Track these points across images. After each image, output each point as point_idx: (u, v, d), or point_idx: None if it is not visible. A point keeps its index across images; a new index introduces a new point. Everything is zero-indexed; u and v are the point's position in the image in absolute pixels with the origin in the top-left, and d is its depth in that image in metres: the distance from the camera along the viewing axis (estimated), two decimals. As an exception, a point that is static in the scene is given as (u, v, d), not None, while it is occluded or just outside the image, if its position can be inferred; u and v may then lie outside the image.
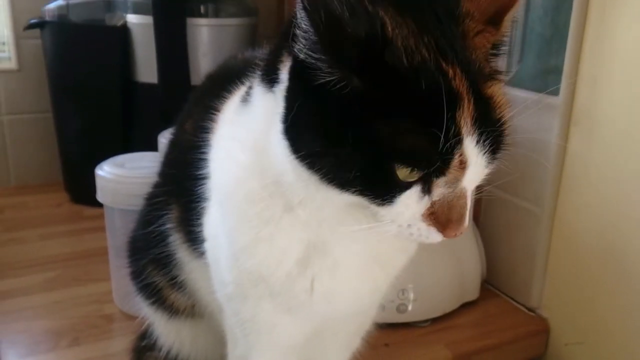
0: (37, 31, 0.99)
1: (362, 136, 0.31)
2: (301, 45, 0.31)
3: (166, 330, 0.56)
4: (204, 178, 0.43)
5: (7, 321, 0.69)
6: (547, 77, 0.69)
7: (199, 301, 0.52)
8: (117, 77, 0.97)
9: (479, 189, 0.38)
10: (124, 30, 0.95)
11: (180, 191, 0.47)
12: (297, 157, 0.33)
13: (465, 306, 0.75)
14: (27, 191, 1.07)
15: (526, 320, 0.74)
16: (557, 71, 0.67)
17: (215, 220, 0.43)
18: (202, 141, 0.43)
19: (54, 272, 0.81)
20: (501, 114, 0.34)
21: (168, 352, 0.56)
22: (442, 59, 0.31)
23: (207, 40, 0.95)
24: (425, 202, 0.33)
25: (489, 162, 0.34)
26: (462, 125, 0.31)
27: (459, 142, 0.31)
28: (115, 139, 0.99)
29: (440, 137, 0.30)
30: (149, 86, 0.97)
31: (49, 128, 1.06)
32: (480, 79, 0.32)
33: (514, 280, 0.76)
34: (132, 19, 0.94)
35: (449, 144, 0.31)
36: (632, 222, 0.62)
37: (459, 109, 0.31)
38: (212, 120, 0.44)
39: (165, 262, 0.51)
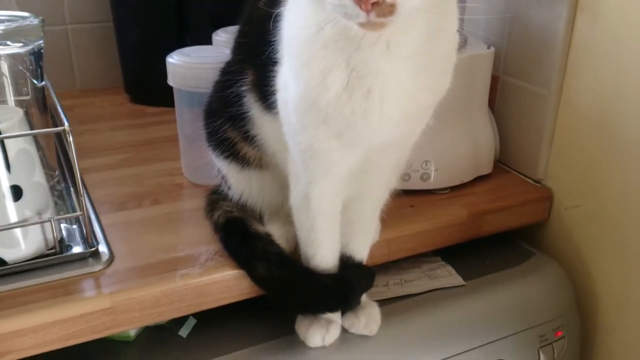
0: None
1: None
2: None
3: (238, 180, 0.68)
4: (276, 42, 0.55)
5: (95, 188, 0.82)
6: None
7: (266, 153, 0.64)
8: None
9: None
10: None
11: (255, 57, 0.58)
12: None
13: (480, 178, 0.86)
14: (91, 93, 1.19)
15: (533, 190, 0.85)
16: None
17: (284, 73, 0.54)
18: (275, 11, 0.54)
19: (128, 154, 0.94)
20: None
21: (239, 199, 0.70)
22: None
23: None
24: None
25: None
26: None
27: None
28: (170, 44, 1.10)
29: None
30: None
31: (109, 36, 1.16)
32: None
33: (524, 157, 0.87)
34: None
35: None
36: (629, 102, 0.72)
37: None
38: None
39: (240, 119, 0.63)
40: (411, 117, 0.54)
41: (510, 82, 0.87)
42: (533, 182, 0.86)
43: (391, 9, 0.41)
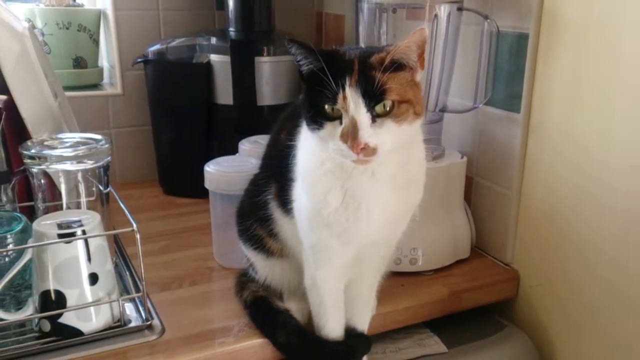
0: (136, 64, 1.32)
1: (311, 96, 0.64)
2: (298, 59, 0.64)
3: (263, 266, 0.86)
4: (293, 165, 0.74)
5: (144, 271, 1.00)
6: (512, 100, 0.96)
7: (286, 245, 0.82)
8: (202, 100, 1.25)
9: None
10: (208, 66, 1.24)
11: (278, 175, 0.78)
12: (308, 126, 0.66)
13: (459, 262, 1.03)
14: (129, 186, 1.38)
15: (503, 271, 1.02)
16: (518, 96, 0.95)
17: (298, 188, 0.73)
18: (292, 144, 0.74)
19: (166, 241, 1.11)
20: (379, 85, 0.61)
21: (264, 281, 0.88)
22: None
23: (269, 72, 1.24)
24: (338, 127, 0.62)
25: (368, 109, 0.60)
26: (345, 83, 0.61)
27: (343, 89, 0.61)
28: (200, 147, 1.30)
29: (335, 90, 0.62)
30: (226, 107, 1.25)
31: (146, 138, 1.37)
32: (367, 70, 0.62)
33: (495, 244, 1.05)
34: (214, 57, 1.24)
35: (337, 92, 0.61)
36: (573, 199, 0.91)
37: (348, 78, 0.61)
38: (298, 132, 0.75)
39: (266, 220, 0.81)
40: (391, 223, 0.73)
41: (482, 183, 1.07)
42: (503, 265, 1.04)
43: (374, 151, 0.62)
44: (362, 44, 1.01)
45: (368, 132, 0.61)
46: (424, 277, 1.00)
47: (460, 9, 0.96)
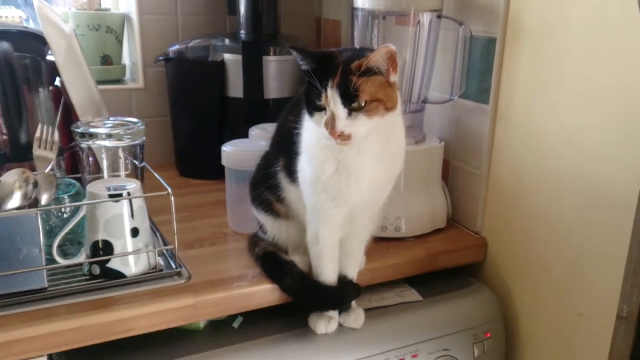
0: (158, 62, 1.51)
1: (307, 90, 0.82)
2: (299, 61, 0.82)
3: (272, 227, 1.03)
4: (298, 142, 0.92)
5: (169, 235, 1.18)
6: (482, 94, 1.13)
7: (291, 209, 0.99)
8: (216, 94, 1.42)
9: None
10: (222, 64, 1.41)
11: (286, 151, 0.96)
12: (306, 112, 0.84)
13: (437, 230, 1.20)
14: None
15: (473, 239, 1.20)
16: (488, 90, 1.12)
17: (302, 161, 0.91)
18: (297, 125, 0.93)
19: (185, 213, 1.27)
20: (355, 88, 0.77)
21: (272, 239, 1.06)
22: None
23: (275, 69, 1.42)
24: (323, 116, 0.79)
25: (344, 106, 0.78)
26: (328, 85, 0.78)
27: (326, 89, 0.78)
28: (213, 134, 1.47)
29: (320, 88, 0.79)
30: (237, 100, 1.41)
31: (164, 127, 1.54)
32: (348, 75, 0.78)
33: (467, 216, 1.23)
34: (227, 56, 1.40)
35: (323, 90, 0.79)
36: (530, 177, 1.08)
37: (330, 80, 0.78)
38: (302, 116, 0.93)
39: (275, 188, 0.99)
40: (375, 189, 0.91)
41: (457, 165, 1.25)
42: (474, 234, 1.23)
43: (349, 137, 0.80)
44: (356, 45, 1.20)
45: (344, 123, 0.79)
46: (406, 242, 1.18)
47: (439, 17, 1.15)
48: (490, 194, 1.19)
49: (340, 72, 0.79)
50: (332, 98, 0.79)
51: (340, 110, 0.79)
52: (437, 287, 1.15)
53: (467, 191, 1.23)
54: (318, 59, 0.82)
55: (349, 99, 0.78)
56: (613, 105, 0.92)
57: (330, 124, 0.79)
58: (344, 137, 0.80)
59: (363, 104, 0.79)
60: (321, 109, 0.81)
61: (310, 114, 0.83)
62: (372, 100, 0.80)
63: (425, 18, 1.14)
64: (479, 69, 1.15)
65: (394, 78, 0.83)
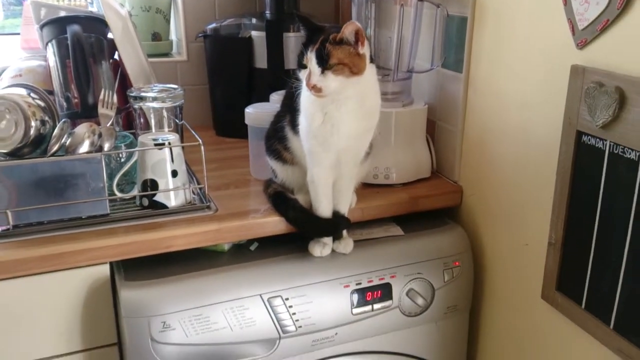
0: (198, 38, 1.79)
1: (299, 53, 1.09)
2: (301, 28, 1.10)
3: (281, 171, 1.30)
4: (298, 102, 1.18)
5: (200, 178, 1.47)
6: (457, 64, 1.34)
7: (295, 156, 1.25)
8: (245, 65, 1.68)
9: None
10: (250, 39, 1.67)
11: (290, 109, 1.22)
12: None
13: (421, 179, 1.44)
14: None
15: (451, 186, 1.44)
16: (461, 61, 1.34)
17: (300, 115, 1.18)
18: (298, 90, 1.19)
19: (216, 164, 1.56)
20: (327, 53, 1.02)
21: (281, 182, 1.33)
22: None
23: (294, 44, 1.66)
24: (306, 73, 1.04)
25: (319, 65, 1.02)
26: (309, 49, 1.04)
27: (307, 52, 1.03)
28: (243, 99, 1.75)
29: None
30: (262, 70, 1.65)
31: (203, 94, 1.83)
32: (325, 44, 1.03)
33: (447, 167, 1.46)
34: (254, 33, 1.66)
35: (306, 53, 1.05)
36: (496, 132, 1.30)
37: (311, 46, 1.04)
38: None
39: (283, 139, 1.25)
40: (355, 137, 1.16)
41: (440, 124, 1.49)
42: (452, 182, 1.47)
43: (320, 90, 1.03)
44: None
45: (317, 78, 1.03)
46: (395, 188, 1.43)
47: (421, 0, 1.38)
48: (465, 148, 1.42)
49: (320, 40, 1.04)
50: (310, 59, 1.04)
51: (315, 68, 1.03)
52: (419, 225, 1.40)
53: (447, 146, 1.47)
54: (311, 29, 1.09)
55: (322, 60, 1.04)
56: (545, 63, 1.14)
57: (307, 78, 1.05)
58: (316, 89, 1.04)
59: (332, 65, 1.03)
60: (305, 67, 1.07)
61: (299, 70, 1.10)
62: (339, 63, 1.04)
63: (410, 1, 1.37)
64: (455, 43, 1.37)
65: (362, 50, 1.07)
